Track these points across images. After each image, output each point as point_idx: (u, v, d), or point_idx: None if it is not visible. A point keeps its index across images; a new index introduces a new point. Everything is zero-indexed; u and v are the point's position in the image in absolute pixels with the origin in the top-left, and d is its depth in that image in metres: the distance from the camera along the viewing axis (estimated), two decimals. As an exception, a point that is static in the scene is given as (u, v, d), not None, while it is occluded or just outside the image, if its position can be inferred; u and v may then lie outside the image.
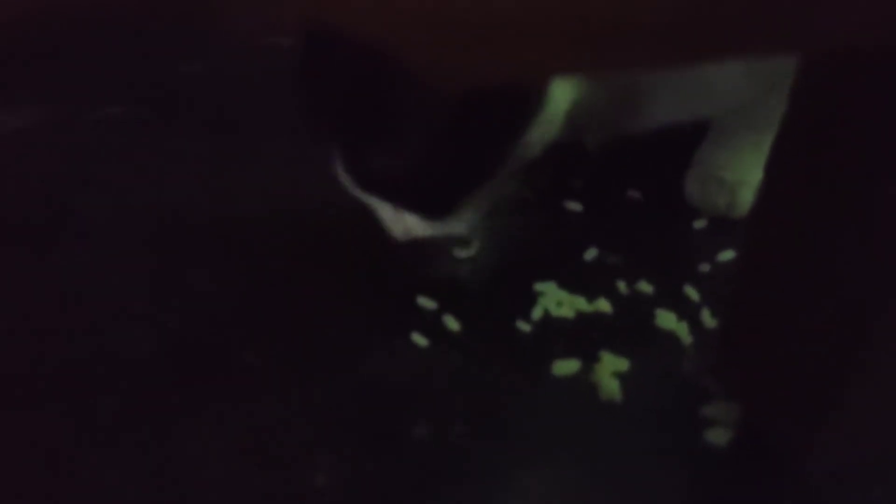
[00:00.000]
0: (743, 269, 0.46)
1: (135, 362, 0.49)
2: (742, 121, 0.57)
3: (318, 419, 0.46)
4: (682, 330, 0.51)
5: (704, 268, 0.56)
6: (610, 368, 0.48)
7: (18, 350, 0.50)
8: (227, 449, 0.45)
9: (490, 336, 0.51)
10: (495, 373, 0.49)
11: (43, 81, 0.75)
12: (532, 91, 0.49)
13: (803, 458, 0.44)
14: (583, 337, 0.51)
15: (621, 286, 0.54)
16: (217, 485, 0.43)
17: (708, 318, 0.52)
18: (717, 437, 0.45)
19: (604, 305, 0.53)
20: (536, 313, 0.52)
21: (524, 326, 0.52)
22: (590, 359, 0.49)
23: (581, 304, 0.53)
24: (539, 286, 0.54)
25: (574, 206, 0.61)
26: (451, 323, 0.51)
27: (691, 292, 0.54)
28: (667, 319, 0.52)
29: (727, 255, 0.56)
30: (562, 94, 0.50)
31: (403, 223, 0.52)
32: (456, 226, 0.52)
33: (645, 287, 0.54)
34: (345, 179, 0.52)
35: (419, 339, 0.50)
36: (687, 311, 0.52)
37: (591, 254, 0.57)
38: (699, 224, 0.60)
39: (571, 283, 0.54)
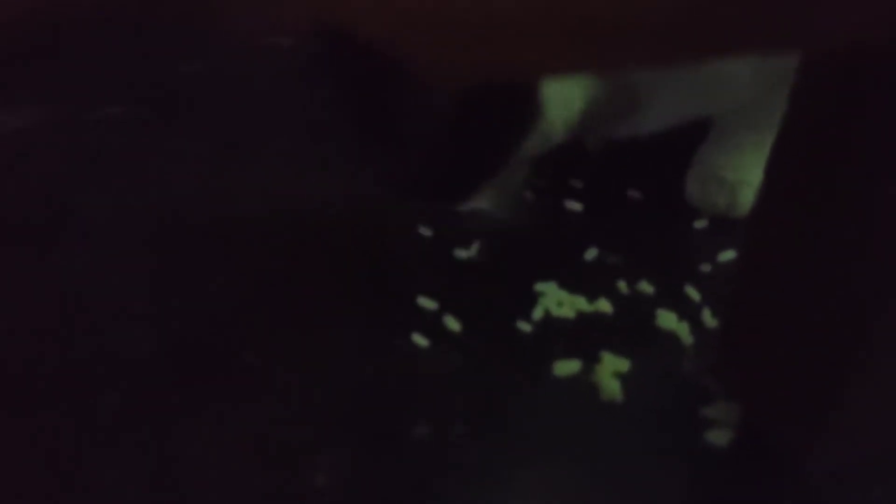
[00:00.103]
0: (743, 270, 0.46)
1: (135, 362, 0.49)
2: (743, 120, 0.57)
3: (319, 419, 0.46)
4: (682, 330, 0.51)
5: (705, 268, 0.56)
6: (611, 369, 0.48)
7: (18, 350, 0.50)
8: (227, 449, 0.45)
9: (490, 336, 0.51)
10: (496, 373, 0.49)
11: (43, 81, 0.75)
12: (532, 89, 0.49)
13: (804, 458, 0.44)
14: (583, 337, 0.51)
15: (622, 286, 0.54)
16: (217, 485, 0.43)
17: (709, 319, 0.52)
18: (718, 437, 0.45)
19: (604, 305, 0.53)
20: (537, 313, 0.52)
21: (525, 327, 0.52)
22: (590, 359, 0.49)
23: (582, 304, 0.53)
24: (539, 286, 0.54)
25: (574, 205, 0.61)
26: (452, 323, 0.51)
27: (692, 292, 0.54)
28: (667, 319, 0.52)
29: (728, 255, 0.56)
30: (573, 94, 0.50)
31: None
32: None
33: (645, 287, 0.54)
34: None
35: (419, 340, 0.50)
36: (688, 312, 0.52)
37: (591, 254, 0.57)
38: (700, 224, 0.60)
39: (572, 284, 0.54)
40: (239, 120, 0.70)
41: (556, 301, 0.53)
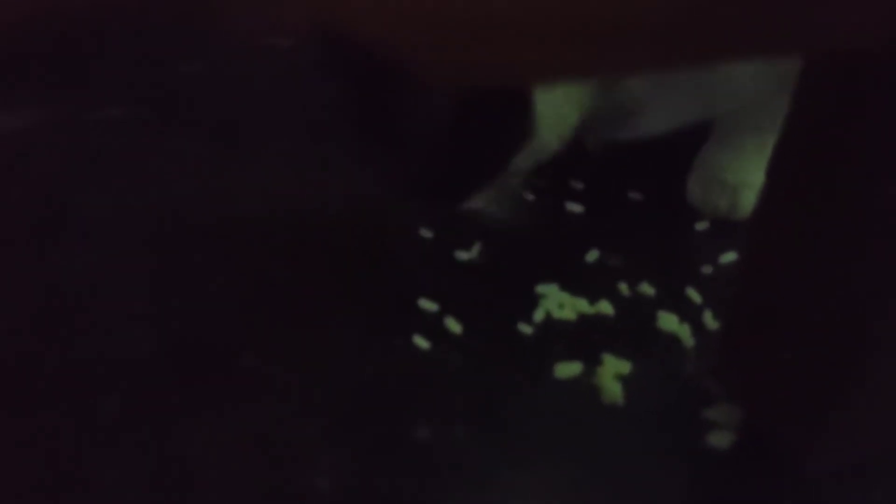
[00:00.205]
0: (745, 271, 0.46)
1: (135, 362, 0.49)
2: (745, 122, 0.57)
3: (319, 420, 0.46)
4: (684, 332, 0.51)
5: (706, 270, 0.56)
6: (612, 371, 0.48)
7: (18, 350, 0.50)
8: (227, 449, 0.45)
9: (491, 338, 0.51)
10: (497, 375, 0.49)
11: (43, 82, 0.75)
12: (526, 102, 0.49)
13: (805, 459, 0.44)
14: (584, 339, 0.51)
15: (623, 288, 0.54)
16: (217, 485, 0.43)
17: (710, 321, 0.52)
18: (720, 439, 0.45)
19: (606, 307, 0.53)
20: (538, 315, 0.52)
21: (526, 329, 0.51)
22: (592, 361, 0.49)
23: (583, 306, 0.53)
24: (540, 288, 0.54)
25: (575, 207, 0.61)
26: (453, 325, 0.51)
27: (693, 294, 0.54)
28: (669, 321, 0.52)
29: (729, 256, 0.56)
30: (568, 110, 0.50)
31: None
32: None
33: (647, 289, 0.54)
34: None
35: (420, 342, 0.50)
36: (689, 314, 0.52)
37: (592, 256, 0.57)
38: (701, 226, 0.60)
39: (573, 285, 0.54)
40: (239, 120, 0.70)
41: (557, 303, 0.53)
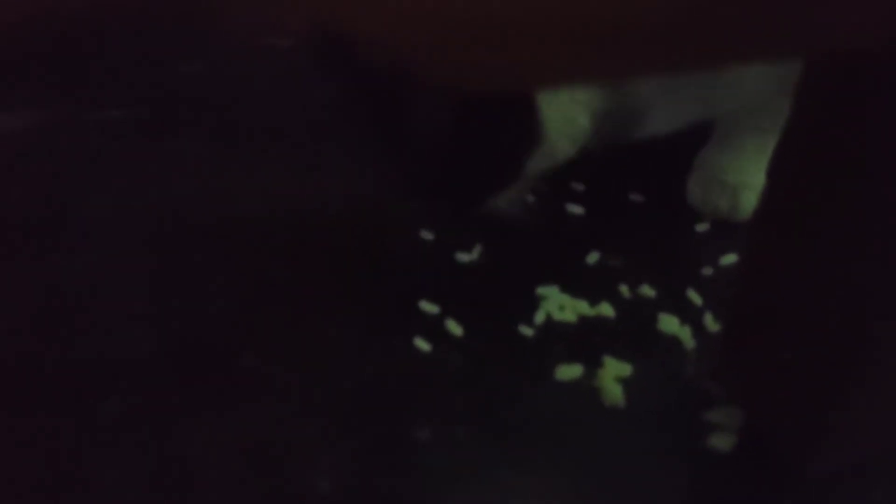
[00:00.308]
0: (745, 273, 0.46)
1: (135, 362, 0.49)
2: (745, 124, 0.57)
3: (319, 420, 0.46)
4: (684, 334, 0.51)
5: (707, 271, 0.56)
6: (613, 373, 0.48)
7: (18, 350, 0.49)
8: (227, 449, 0.45)
9: (492, 340, 0.51)
10: (498, 377, 0.49)
11: (43, 82, 0.75)
12: (532, 108, 0.49)
13: (806, 461, 0.44)
14: (585, 341, 0.51)
15: (624, 290, 0.54)
16: (217, 485, 0.43)
17: (710, 322, 0.52)
18: (721, 442, 0.45)
19: (606, 309, 0.53)
20: (539, 317, 0.52)
21: (526, 331, 0.51)
22: (592, 363, 0.49)
23: (583, 308, 0.53)
24: (541, 290, 0.54)
25: (576, 209, 0.61)
26: (454, 327, 0.51)
27: (694, 296, 0.54)
28: (669, 323, 0.52)
29: (730, 258, 0.56)
30: (577, 113, 0.50)
31: None
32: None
33: (647, 291, 0.54)
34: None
35: (421, 344, 0.50)
36: (689, 315, 0.52)
37: (593, 257, 0.57)
38: (702, 227, 0.60)
39: (574, 287, 0.54)
40: (239, 120, 0.70)
41: (558, 305, 0.53)
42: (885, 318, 0.39)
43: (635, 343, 0.51)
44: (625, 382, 0.48)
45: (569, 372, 0.49)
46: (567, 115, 0.50)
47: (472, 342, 0.51)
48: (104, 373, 0.48)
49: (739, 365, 0.47)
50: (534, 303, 0.53)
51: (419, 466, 0.44)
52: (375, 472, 0.44)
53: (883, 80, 0.35)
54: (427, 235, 0.58)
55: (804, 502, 0.43)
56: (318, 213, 0.60)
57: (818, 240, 0.40)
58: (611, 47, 0.29)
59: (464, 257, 0.57)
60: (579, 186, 0.63)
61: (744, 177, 0.58)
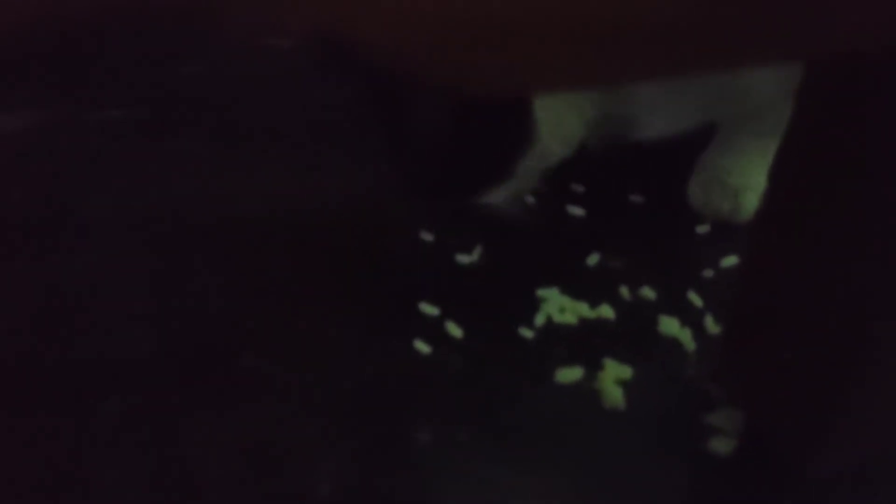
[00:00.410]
0: (746, 275, 0.46)
1: (135, 362, 0.49)
2: (747, 126, 0.57)
3: (319, 420, 0.46)
4: (685, 336, 0.51)
5: (708, 273, 0.56)
6: (613, 376, 0.48)
7: (18, 350, 0.49)
8: (227, 449, 0.44)
9: (492, 342, 0.51)
10: (498, 379, 0.49)
11: (43, 82, 0.75)
12: (526, 110, 0.49)
13: (806, 462, 0.44)
14: (586, 343, 0.51)
15: (624, 292, 0.54)
16: (217, 485, 0.43)
17: (711, 325, 0.52)
18: (721, 445, 0.45)
19: (607, 311, 0.53)
20: (539, 319, 0.52)
21: (527, 333, 0.51)
22: (593, 366, 0.49)
23: (584, 310, 0.53)
24: (541, 292, 0.54)
25: (576, 211, 0.61)
26: (454, 329, 0.51)
27: (694, 298, 0.54)
28: (670, 325, 0.52)
29: (731, 260, 0.56)
30: (570, 115, 0.50)
31: None
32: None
33: (648, 293, 0.54)
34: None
35: (421, 346, 0.50)
36: (690, 317, 0.52)
37: (593, 259, 0.57)
38: (702, 229, 0.60)
39: (574, 289, 0.54)
40: (239, 120, 0.70)
41: (559, 307, 0.53)
42: (885, 319, 0.39)
43: (636, 345, 0.51)
44: (625, 384, 0.48)
45: (569, 374, 0.49)
46: (560, 118, 0.50)
47: (473, 344, 0.51)
48: (104, 373, 0.48)
49: (740, 367, 0.46)
50: (534, 304, 0.53)
51: (419, 467, 0.44)
52: (375, 472, 0.44)
53: (883, 83, 0.35)
54: (427, 236, 0.58)
55: (804, 503, 0.43)
56: (318, 213, 0.60)
57: (819, 242, 0.40)
58: (611, 49, 0.29)
59: (464, 259, 0.57)
60: (580, 188, 0.63)
61: (745, 178, 0.58)
